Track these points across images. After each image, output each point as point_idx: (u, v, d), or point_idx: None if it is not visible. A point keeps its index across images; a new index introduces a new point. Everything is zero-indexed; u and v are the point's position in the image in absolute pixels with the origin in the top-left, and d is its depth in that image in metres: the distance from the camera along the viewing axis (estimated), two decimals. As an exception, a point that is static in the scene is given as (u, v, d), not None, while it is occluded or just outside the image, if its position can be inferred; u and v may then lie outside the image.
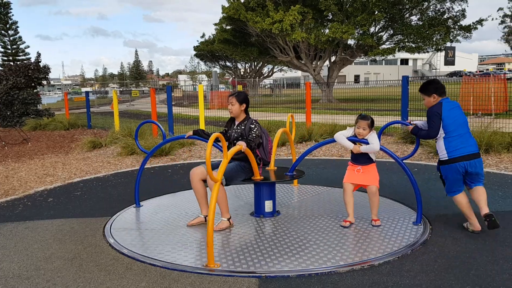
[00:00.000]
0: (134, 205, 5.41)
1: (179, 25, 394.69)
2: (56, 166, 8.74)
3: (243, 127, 4.55)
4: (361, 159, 4.41)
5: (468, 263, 3.40)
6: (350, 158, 4.55)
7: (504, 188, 5.59)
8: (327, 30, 27.11)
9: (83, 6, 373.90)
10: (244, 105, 4.59)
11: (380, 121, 11.13)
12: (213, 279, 3.29)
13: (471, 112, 13.21)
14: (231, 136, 4.62)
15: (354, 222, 4.41)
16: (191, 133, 4.78)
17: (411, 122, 4.52)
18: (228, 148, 4.34)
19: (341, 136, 4.42)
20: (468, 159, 3.98)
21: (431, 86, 4.23)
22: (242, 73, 54.66)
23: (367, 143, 4.29)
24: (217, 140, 4.39)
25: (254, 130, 4.48)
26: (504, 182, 5.91)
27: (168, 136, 11.34)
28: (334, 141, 4.50)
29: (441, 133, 4.10)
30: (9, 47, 33.27)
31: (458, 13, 26.90)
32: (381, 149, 4.30)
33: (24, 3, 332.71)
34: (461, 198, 4.08)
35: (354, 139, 4.40)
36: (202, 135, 4.77)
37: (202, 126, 11.62)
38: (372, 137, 4.32)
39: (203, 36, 52.39)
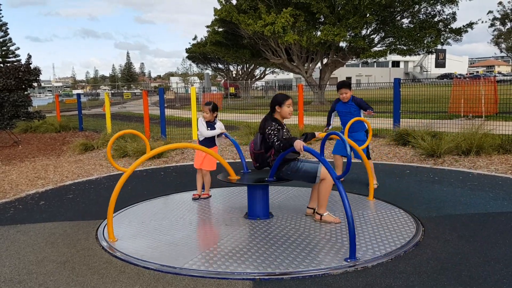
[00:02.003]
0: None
1: (170, 27, 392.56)
2: (48, 169, 8.67)
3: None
4: (207, 143, 5.45)
5: (460, 265, 3.43)
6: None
7: (494, 190, 5.64)
8: (319, 33, 27.20)
9: (73, 7, 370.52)
10: None
11: (372, 123, 11.18)
12: (207, 282, 3.29)
13: (462, 114, 13.32)
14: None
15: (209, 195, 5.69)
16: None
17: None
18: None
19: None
20: None
21: (350, 83, 6.24)
22: (234, 75, 54.72)
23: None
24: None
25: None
26: (494, 184, 5.96)
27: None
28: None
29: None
30: (-1, 49, 32.94)
31: (448, 16, 27.17)
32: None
33: (13, 4, 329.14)
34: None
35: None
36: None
37: (194, 128, 11.60)
38: (218, 125, 5.55)
39: (195, 38, 52.39)
